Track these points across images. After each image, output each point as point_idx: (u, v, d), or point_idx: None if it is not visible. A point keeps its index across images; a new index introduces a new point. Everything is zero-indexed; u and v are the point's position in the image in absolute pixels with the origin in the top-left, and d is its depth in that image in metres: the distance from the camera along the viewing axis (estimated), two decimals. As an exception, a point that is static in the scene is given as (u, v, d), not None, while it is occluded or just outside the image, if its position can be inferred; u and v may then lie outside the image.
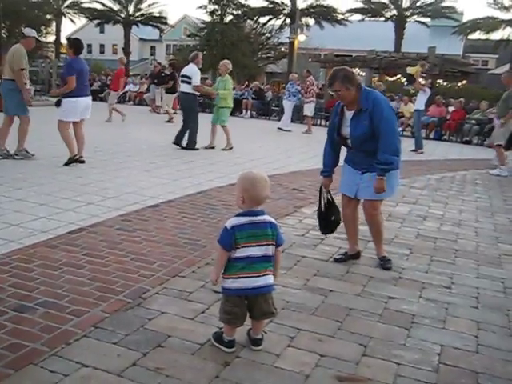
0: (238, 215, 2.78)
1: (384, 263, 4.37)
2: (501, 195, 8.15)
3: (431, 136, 17.31)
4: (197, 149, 10.32)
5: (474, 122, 16.72)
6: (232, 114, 21.06)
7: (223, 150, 10.64)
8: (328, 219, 4.58)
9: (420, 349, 3.02)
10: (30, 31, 8.08)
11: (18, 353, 2.64)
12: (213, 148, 10.71)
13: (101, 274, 3.74)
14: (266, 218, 2.82)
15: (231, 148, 10.74)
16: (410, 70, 13.88)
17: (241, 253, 2.73)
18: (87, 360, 2.63)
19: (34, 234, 4.56)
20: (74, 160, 7.72)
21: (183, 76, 10.37)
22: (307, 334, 3.08)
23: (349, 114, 4.19)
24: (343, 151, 4.47)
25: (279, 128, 16.01)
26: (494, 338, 3.25)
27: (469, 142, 16.58)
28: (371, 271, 4.27)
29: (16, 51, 7.76)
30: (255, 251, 2.74)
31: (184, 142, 10.37)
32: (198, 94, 10.61)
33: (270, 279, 2.80)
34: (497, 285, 4.19)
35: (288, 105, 16.50)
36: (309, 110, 16.36)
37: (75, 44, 7.88)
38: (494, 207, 7.17)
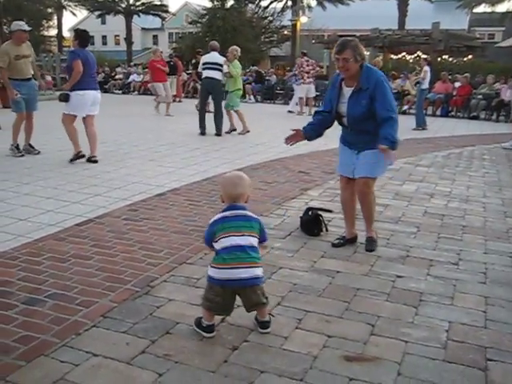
0: (221, 211, 2.91)
1: (367, 244, 4.29)
2: (509, 169, 8.10)
3: (438, 113, 17.20)
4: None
5: (480, 96, 16.58)
6: (237, 99, 21.22)
7: (239, 133, 11.02)
8: (311, 230, 4.60)
9: (428, 326, 3.03)
10: (15, 25, 7.79)
11: (28, 345, 2.68)
12: (235, 130, 11.17)
13: (109, 264, 3.77)
14: (247, 212, 2.88)
15: (248, 131, 11.11)
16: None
17: (223, 243, 2.78)
18: (97, 349, 2.66)
19: (41, 227, 4.59)
20: (79, 156, 7.44)
21: (214, 63, 10.60)
22: (315, 316, 3.10)
23: (347, 91, 4.08)
24: (337, 130, 4.41)
25: (289, 111, 16.10)
26: (502, 312, 3.25)
27: (476, 118, 16.45)
28: (379, 251, 4.26)
29: None
30: (237, 241, 2.77)
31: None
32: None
33: (256, 271, 2.80)
34: (505, 259, 4.18)
35: (296, 89, 16.55)
36: (301, 92, 16.25)
37: (81, 35, 7.51)
38: (501, 182, 7.13)
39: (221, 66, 10.63)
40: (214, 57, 10.73)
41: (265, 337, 2.84)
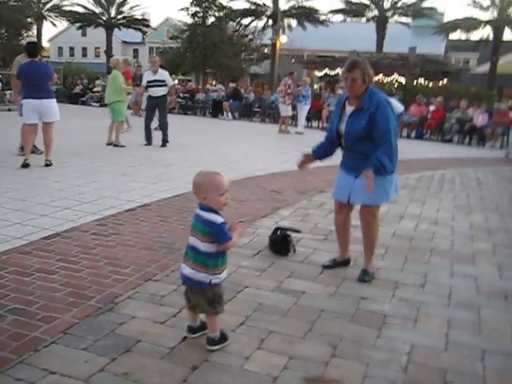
0: None
1: (362, 275, 4.16)
2: (478, 193, 8.23)
3: (412, 135, 17.45)
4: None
5: (454, 120, 16.87)
6: (214, 115, 21.29)
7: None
8: (278, 250, 4.62)
9: (389, 349, 3.04)
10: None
11: (-16, 361, 2.62)
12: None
13: (73, 279, 3.72)
14: (204, 214, 2.80)
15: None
16: None
17: None
18: (55, 367, 2.62)
19: (7, 240, 4.52)
20: (24, 165, 7.78)
21: (159, 81, 11.08)
22: (278, 336, 3.09)
23: (349, 110, 4.06)
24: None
25: (297, 132, 16.12)
26: (463, 335, 3.29)
27: (449, 141, 16.73)
28: (345, 272, 4.28)
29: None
30: (189, 238, 2.89)
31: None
32: (151, 95, 11.27)
33: (194, 274, 2.81)
34: (470, 282, 4.24)
35: (302, 108, 16.59)
36: (288, 111, 16.49)
37: (27, 47, 8.25)
38: (470, 206, 7.24)
39: (164, 81, 11.17)
40: (160, 74, 11.22)
41: (226, 356, 2.82)
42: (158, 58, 12.38)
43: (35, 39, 43.27)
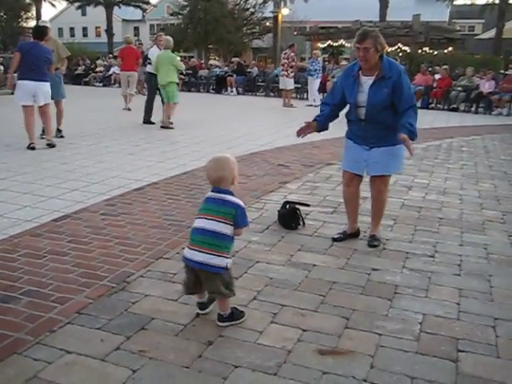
0: None
1: (371, 240, 4.27)
2: (486, 162, 8.19)
3: (418, 104, 17.27)
4: (153, 123, 11.06)
5: (460, 88, 16.70)
6: (218, 91, 21.19)
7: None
8: (288, 223, 4.62)
9: (402, 319, 3.06)
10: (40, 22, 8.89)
11: (1, 343, 2.66)
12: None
13: (85, 260, 3.75)
14: (227, 196, 2.83)
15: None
16: None
17: (194, 224, 2.91)
18: (71, 346, 2.65)
19: (18, 223, 4.55)
20: (30, 147, 7.83)
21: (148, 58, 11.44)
22: (290, 310, 3.11)
23: (365, 80, 4.00)
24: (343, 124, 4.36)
25: (309, 105, 16.04)
26: (475, 304, 3.30)
27: (456, 109, 16.59)
28: (355, 244, 4.29)
29: None
30: (198, 223, 2.86)
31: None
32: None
33: (211, 259, 2.77)
34: (480, 251, 4.24)
35: (313, 82, 16.55)
36: (291, 84, 16.40)
37: (34, 29, 8.39)
38: (479, 174, 7.21)
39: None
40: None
41: (240, 331, 2.85)
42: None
43: (35, 21, 43.00)
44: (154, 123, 10.98)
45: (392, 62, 4.00)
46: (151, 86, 11.29)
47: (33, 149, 7.80)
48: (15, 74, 8.17)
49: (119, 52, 15.31)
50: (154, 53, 11.15)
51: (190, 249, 2.84)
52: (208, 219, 2.82)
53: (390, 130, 3.98)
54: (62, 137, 8.90)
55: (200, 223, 2.84)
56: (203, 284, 2.88)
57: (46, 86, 7.99)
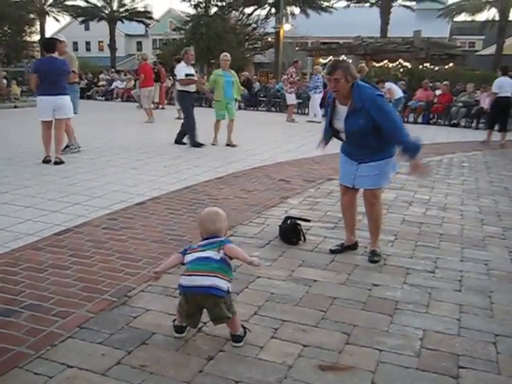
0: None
1: (372, 256, 4.29)
2: (487, 177, 8.21)
3: (419, 120, 17.37)
4: (202, 144, 10.32)
5: (461, 104, 16.76)
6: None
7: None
8: (289, 239, 4.64)
9: (402, 334, 3.06)
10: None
11: (3, 357, 2.66)
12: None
13: (86, 274, 3.76)
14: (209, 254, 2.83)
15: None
16: None
17: (187, 259, 2.89)
18: (72, 361, 2.66)
19: (20, 237, 4.57)
20: (45, 161, 7.92)
21: (193, 75, 10.56)
22: (291, 325, 3.12)
23: (342, 109, 4.11)
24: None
25: (309, 121, 16.13)
26: (475, 320, 3.30)
27: (457, 125, 16.63)
28: (356, 259, 4.30)
29: None
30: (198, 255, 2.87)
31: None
32: (189, 90, 10.53)
33: (218, 282, 2.73)
34: (480, 267, 4.24)
35: (314, 97, 16.58)
36: (292, 99, 16.67)
37: (43, 43, 8.60)
38: (479, 189, 7.23)
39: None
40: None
41: (241, 347, 2.85)
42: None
43: (39, 35, 43.39)
44: (185, 144, 10.55)
45: (362, 90, 3.98)
46: (187, 104, 10.66)
47: (48, 162, 7.87)
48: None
49: (140, 69, 15.59)
50: (181, 69, 10.44)
51: (190, 275, 2.79)
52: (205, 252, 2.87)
53: (376, 148, 4.08)
54: (78, 151, 9.03)
55: (199, 254, 2.88)
56: (208, 312, 2.82)
57: (66, 100, 7.99)
